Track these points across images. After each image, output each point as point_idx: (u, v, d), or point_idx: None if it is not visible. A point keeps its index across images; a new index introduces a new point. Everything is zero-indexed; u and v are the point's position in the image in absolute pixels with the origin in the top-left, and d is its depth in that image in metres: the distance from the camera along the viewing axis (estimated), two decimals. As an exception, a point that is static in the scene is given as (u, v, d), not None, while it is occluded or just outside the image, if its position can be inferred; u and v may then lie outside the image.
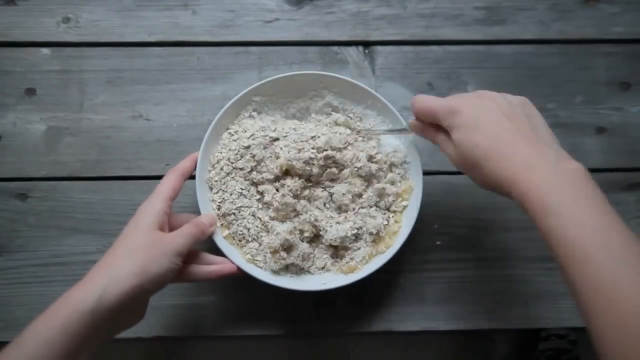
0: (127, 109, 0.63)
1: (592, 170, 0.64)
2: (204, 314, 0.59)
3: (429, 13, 0.66)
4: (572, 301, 0.45)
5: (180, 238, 0.48)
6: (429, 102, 0.47)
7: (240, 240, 0.56)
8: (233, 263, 0.53)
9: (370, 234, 0.56)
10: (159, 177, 0.61)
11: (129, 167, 0.62)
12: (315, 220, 0.55)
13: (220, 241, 0.54)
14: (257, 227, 0.55)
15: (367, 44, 0.65)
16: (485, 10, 0.66)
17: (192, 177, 0.55)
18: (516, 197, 0.41)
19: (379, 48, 0.65)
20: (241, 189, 0.55)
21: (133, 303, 0.43)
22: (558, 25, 0.66)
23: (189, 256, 0.50)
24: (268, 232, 0.55)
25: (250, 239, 0.55)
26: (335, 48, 0.65)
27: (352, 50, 0.65)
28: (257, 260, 0.55)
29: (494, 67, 0.65)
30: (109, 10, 0.64)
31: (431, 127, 0.49)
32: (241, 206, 0.55)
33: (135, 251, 0.45)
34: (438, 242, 0.61)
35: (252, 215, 0.56)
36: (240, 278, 0.53)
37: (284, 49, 0.65)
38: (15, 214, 0.60)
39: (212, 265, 0.52)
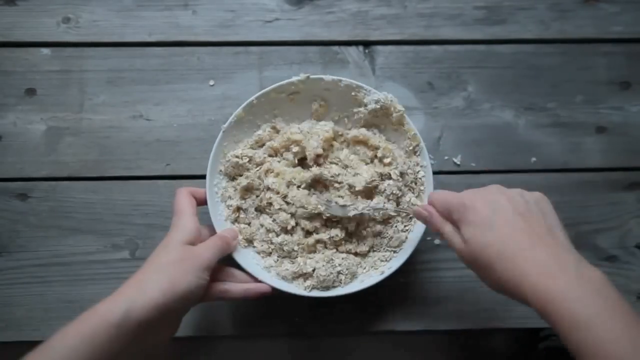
0: (127, 109, 0.63)
1: (592, 170, 0.65)
2: (204, 314, 0.59)
3: (429, 13, 0.66)
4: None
5: (207, 252, 0.48)
6: (444, 196, 0.47)
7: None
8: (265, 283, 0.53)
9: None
10: (159, 177, 0.61)
11: (129, 167, 0.62)
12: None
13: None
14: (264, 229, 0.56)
15: (367, 44, 0.65)
16: (485, 10, 0.66)
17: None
18: (535, 304, 0.39)
19: (379, 48, 0.65)
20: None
21: (161, 319, 0.43)
22: (558, 25, 0.66)
23: (222, 274, 0.51)
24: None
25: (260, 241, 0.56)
26: (336, 48, 0.65)
27: (352, 50, 0.65)
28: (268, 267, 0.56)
29: (494, 67, 0.65)
30: (109, 10, 0.64)
31: (440, 217, 0.47)
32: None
33: (166, 267, 0.45)
34: (438, 242, 0.61)
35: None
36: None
37: (284, 49, 0.65)
38: (15, 214, 0.60)
39: (248, 284, 0.52)
